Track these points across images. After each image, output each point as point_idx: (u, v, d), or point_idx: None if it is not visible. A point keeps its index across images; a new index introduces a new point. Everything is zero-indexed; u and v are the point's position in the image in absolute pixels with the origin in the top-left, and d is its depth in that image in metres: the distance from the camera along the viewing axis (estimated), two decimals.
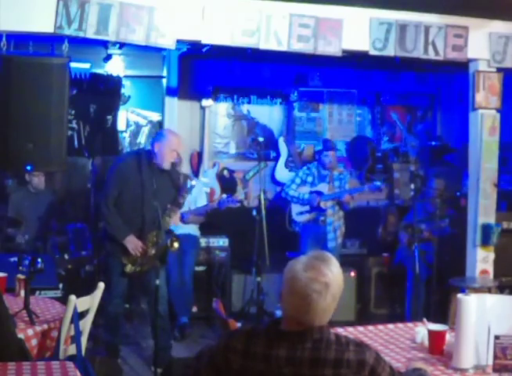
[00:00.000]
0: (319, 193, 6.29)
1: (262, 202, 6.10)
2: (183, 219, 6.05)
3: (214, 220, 6.38)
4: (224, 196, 6.35)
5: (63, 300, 3.73)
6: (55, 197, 6.50)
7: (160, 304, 4.79)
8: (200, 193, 6.35)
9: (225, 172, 7.38)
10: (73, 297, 3.41)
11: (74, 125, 6.77)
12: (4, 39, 4.22)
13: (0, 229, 5.99)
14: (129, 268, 4.86)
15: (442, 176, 6.36)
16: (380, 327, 3.42)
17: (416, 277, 5.79)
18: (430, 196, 6.11)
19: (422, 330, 3.14)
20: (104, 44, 6.15)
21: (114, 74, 6.97)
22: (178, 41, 4.65)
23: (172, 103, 7.23)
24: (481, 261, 5.36)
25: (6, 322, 2.83)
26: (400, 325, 3.46)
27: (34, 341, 3.29)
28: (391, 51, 4.95)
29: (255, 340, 2.09)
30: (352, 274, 6.36)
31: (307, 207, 6.35)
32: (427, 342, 3.04)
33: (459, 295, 2.82)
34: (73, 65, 5.39)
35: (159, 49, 5.76)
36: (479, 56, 5.20)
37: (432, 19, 5.01)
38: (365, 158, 7.66)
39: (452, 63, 5.32)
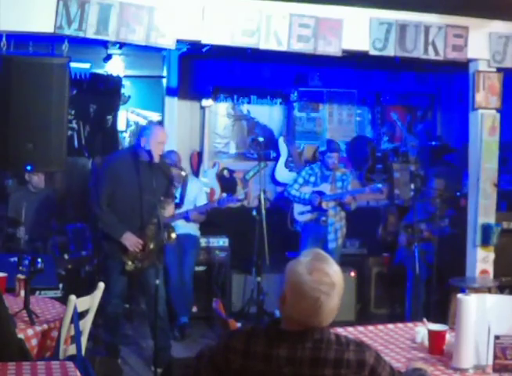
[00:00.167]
0: (321, 194, 6.29)
1: (262, 202, 6.10)
2: (186, 217, 6.06)
3: (214, 220, 6.38)
4: (224, 195, 6.35)
5: (63, 300, 3.73)
6: (56, 197, 6.50)
7: (159, 304, 4.79)
8: (200, 192, 6.35)
9: (225, 172, 7.38)
10: (73, 297, 3.41)
11: (74, 125, 6.78)
12: (4, 39, 4.22)
13: (0, 229, 5.99)
14: (130, 265, 4.86)
15: (442, 176, 6.36)
16: (380, 327, 3.42)
17: (416, 277, 5.79)
18: (430, 196, 6.11)
19: (422, 330, 3.14)
20: (104, 44, 6.15)
21: (114, 74, 6.98)
22: (178, 41, 4.65)
23: (172, 103, 7.23)
24: (481, 261, 5.36)
25: (6, 322, 2.83)
26: (400, 325, 3.45)
27: (34, 341, 3.29)
28: (391, 51, 4.95)
29: (255, 340, 2.08)
30: (352, 274, 6.36)
31: (308, 207, 6.35)
32: (427, 342, 3.04)
33: (459, 295, 2.82)
34: (73, 65, 5.41)
35: (159, 49, 5.76)
36: (479, 56, 5.20)
37: (432, 19, 5.01)
38: (365, 158, 7.66)
39: (452, 63, 5.32)
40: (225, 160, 7.44)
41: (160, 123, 7.41)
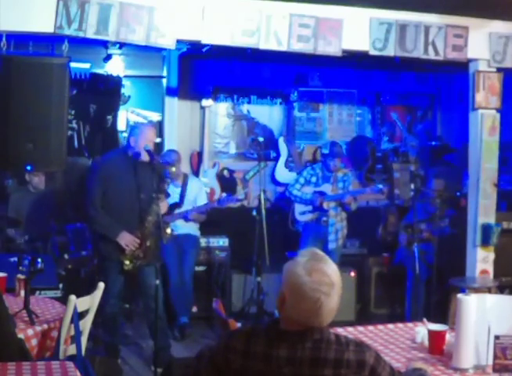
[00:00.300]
0: (322, 194, 6.29)
1: (262, 202, 6.10)
2: (185, 217, 6.06)
3: (214, 220, 6.38)
4: (224, 194, 6.35)
5: (63, 300, 3.73)
6: (56, 197, 6.50)
7: (155, 303, 4.79)
8: (201, 192, 6.35)
9: (225, 172, 7.38)
10: (73, 297, 3.41)
11: (74, 125, 6.78)
12: (4, 39, 4.22)
13: (0, 229, 5.99)
14: (128, 265, 4.86)
15: (442, 176, 6.35)
16: (380, 327, 3.42)
17: (416, 277, 5.79)
18: (430, 196, 6.11)
19: (422, 330, 3.14)
20: (104, 44, 6.15)
21: (114, 74, 6.98)
22: (178, 41, 4.64)
23: (172, 103, 7.24)
24: (481, 261, 5.36)
25: (6, 322, 2.83)
26: (400, 325, 3.45)
27: (34, 341, 3.29)
28: (391, 51, 4.95)
29: (255, 340, 2.08)
30: (352, 274, 6.36)
31: (310, 207, 6.36)
32: (427, 342, 3.04)
33: (459, 295, 2.82)
34: (73, 65, 5.40)
35: (159, 49, 5.76)
36: (479, 56, 5.19)
37: (432, 19, 5.01)
38: (365, 158, 7.66)
39: (452, 63, 5.32)
40: (225, 160, 7.45)
41: (160, 123, 7.43)
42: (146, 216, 4.83)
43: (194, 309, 6.23)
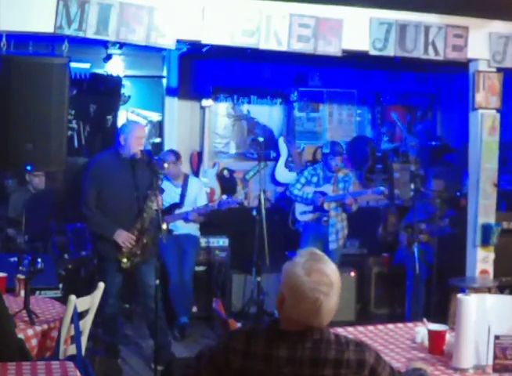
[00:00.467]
0: (323, 194, 6.29)
1: (262, 202, 6.10)
2: (186, 218, 6.06)
3: (214, 220, 6.38)
4: (224, 197, 6.35)
5: (63, 300, 3.73)
6: (56, 197, 6.50)
7: (155, 303, 4.79)
8: (201, 192, 6.35)
9: (225, 172, 7.38)
10: (73, 297, 3.41)
11: (74, 125, 6.78)
12: (4, 39, 4.22)
13: (0, 229, 5.99)
14: (126, 262, 4.87)
15: (442, 176, 6.35)
16: (380, 327, 3.42)
17: (416, 277, 5.79)
18: (430, 196, 6.11)
19: (422, 330, 3.14)
20: (104, 44, 6.15)
21: (114, 74, 6.97)
22: (178, 41, 4.64)
23: (172, 103, 7.24)
24: (481, 261, 5.36)
25: (6, 322, 2.83)
26: (400, 325, 3.45)
27: (34, 341, 3.29)
28: (391, 51, 4.95)
29: (255, 340, 2.09)
30: (352, 274, 6.37)
31: (310, 207, 6.36)
32: (427, 342, 3.04)
33: (459, 295, 2.82)
34: (73, 65, 5.40)
35: (159, 49, 5.76)
36: (479, 56, 5.19)
37: (432, 19, 5.01)
38: (365, 158, 7.66)
39: (452, 63, 5.32)
40: (225, 160, 7.45)
41: (160, 123, 7.43)
42: (141, 213, 4.84)
43: (194, 309, 6.23)
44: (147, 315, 5.05)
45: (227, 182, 7.34)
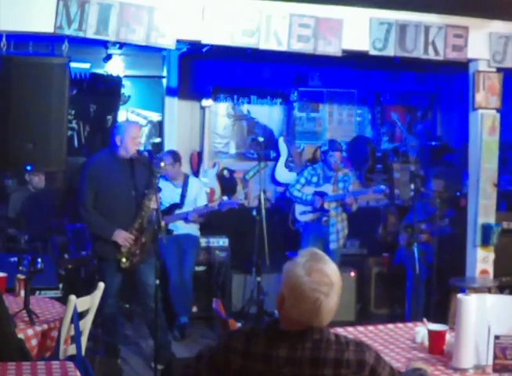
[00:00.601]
0: (323, 194, 6.28)
1: (262, 202, 6.10)
2: (186, 218, 6.06)
3: (214, 220, 6.38)
4: (225, 197, 6.35)
5: (63, 300, 3.73)
6: (56, 197, 6.50)
7: (155, 302, 4.80)
8: (201, 192, 6.35)
9: (225, 172, 7.38)
10: (73, 297, 3.41)
11: (74, 125, 6.78)
12: (4, 39, 4.21)
13: (0, 229, 5.98)
14: (125, 262, 4.87)
15: (442, 176, 6.35)
16: (380, 327, 3.41)
17: (416, 277, 5.79)
18: (430, 197, 6.11)
19: (422, 330, 3.14)
20: (104, 44, 6.15)
21: (114, 74, 6.97)
22: (178, 41, 4.64)
23: (172, 103, 7.24)
24: (481, 261, 5.36)
25: (6, 322, 2.83)
26: (400, 325, 3.45)
27: (34, 341, 3.29)
28: (391, 51, 4.95)
29: (255, 340, 2.08)
30: (352, 274, 6.36)
31: (310, 207, 6.35)
32: (427, 342, 3.04)
33: (459, 295, 2.82)
34: (73, 65, 5.39)
35: (159, 49, 5.76)
36: (479, 56, 5.19)
37: (432, 19, 5.01)
38: (365, 158, 7.66)
39: (452, 63, 5.32)
40: (225, 160, 7.45)
41: (160, 123, 7.43)
42: (139, 212, 4.85)
43: (194, 309, 6.23)
44: (147, 314, 5.05)
45: (227, 182, 7.34)
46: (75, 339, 3.39)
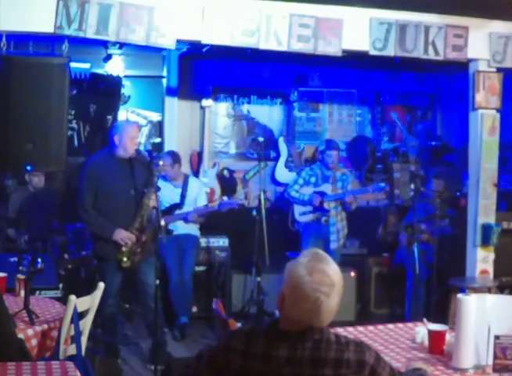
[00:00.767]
0: (322, 194, 6.28)
1: (262, 202, 6.10)
2: (186, 219, 6.06)
3: (214, 220, 6.38)
4: (225, 198, 6.35)
5: (63, 300, 3.73)
6: (56, 197, 6.50)
7: (155, 302, 4.80)
8: (201, 192, 6.35)
9: (225, 172, 7.38)
10: (73, 297, 3.41)
11: (74, 125, 6.79)
12: (4, 39, 4.22)
13: (0, 229, 5.98)
14: (126, 261, 4.87)
15: (442, 177, 6.35)
16: (380, 327, 3.41)
17: (416, 277, 5.79)
18: (430, 197, 6.11)
19: (422, 330, 3.14)
20: (104, 44, 6.15)
21: (114, 74, 6.97)
22: (178, 41, 4.64)
23: (172, 103, 7.24)
24: (481, 261, 5.36)
25: (6, 322, 2.83)
26: (400, 325, 3.45)
27: (34, 341, 3.29)
28: (391, 51, 4.95)
29: (255, 340, 2.08)
30: (352, 274, 6.36)
31: (310, 208, 6.34)
32: (427, 342, 3.04)
33: (459, 295, 2.82)
34: (73, 65, 5.40)
35: (159, 49, 5.76)
36: (479, 56, 5.19)
37: (432, 19, 5.01)
38: (365, 158, 7.66)
39: (452, 63, 5.32)
40: (225, 160, 7.45)
41: (160, 123, 7.43)
42: (139, 211, 4.86)
43: (194, 309, 6.23)
44: (146, 314, 5.06)
45: (227, 182, 7.34)
46: (75, 339, 3.39)
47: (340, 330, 3.14)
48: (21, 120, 4.06)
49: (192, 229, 6.23)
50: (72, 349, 3.45)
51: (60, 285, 5.47)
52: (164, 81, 7.27)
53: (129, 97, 7.36)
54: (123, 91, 7.14)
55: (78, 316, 3.46)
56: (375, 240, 6.85)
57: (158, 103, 7.41)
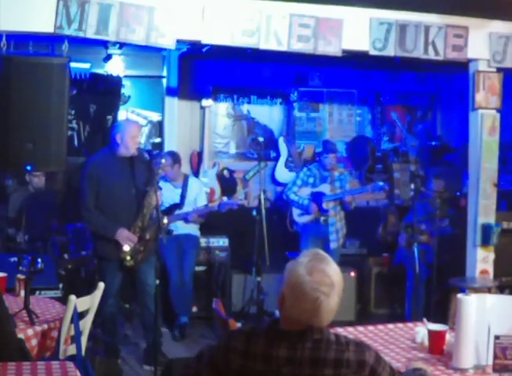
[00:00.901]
0: (321, 194, 6.28)
1: (262, 202, 6.10)
2: (186, 219, 6.06)
3: (214, 220, 6.38)
4: (225, 198, 6.35)
5: (63, 300, 3.73)
6: (56, 197, 6.50)
7: (153, 303, 4.80)
8: (201, 192, 6.35)
9: (225, 172, 7.38)
10: (73, 297, 3.41)
11: (74, 125, 6.79)
12: (4, 39, 4.22)
13: (0, 229, 5.98)
14: (129, 260, 4.86)
15: (442, 177, 6.35)
16: (380, 327, 3.42)
17: (416, 277, 5.79)
18: (430, 197, 6.11)
19: (422, 330, 3.14)
20: (104, 44, 6.15)
21: (114, 74, 6.97)
22: (178, 41, 4.64)
23: (172, 103, 7.24)
24: (481, 261, 5.36)
25: (6, 322, 2.83)
26: (400, 325, 3.45)
27: (34, 341, 3.29)
28: (391, 51, 4.95)
29: (255, 340, 2.08)
30: (352, 274, 6.36)
31: None
32: (427, 342, 3.04)
33: (459, 295, 2.82)
34: (73, 65, 5.39)
35: (159, 49, 5.76)
36: (479, 56, 5.19)
37: (432, 19, 5.01)
38: (365, 158, 7.66)
39: (452, 63, 5.32)
40: (225, 160, 7.45)
41: (160, 123, 7.43)
42: (140, 210, 4.85)
43: (194, 309, 6.23)
44: (144, 314, 5.05)
45: (227, 182, 7.34)
46: (75, 339, 3.39)
47: (340, 330, 3.14)
48: (21, 120, 4.06)
49: (193, 229, 6.23)
50: (72, 349, 3.45)
51: (60, 285, 5.46)
52: (164, 81, 7.27)
53: (129, 97, 7.36)
54: (123, 91, 7.14)
55: (78, 316, 3.46)
56: (375, 240, 6.85)
57: (158, 103, 7.41)
